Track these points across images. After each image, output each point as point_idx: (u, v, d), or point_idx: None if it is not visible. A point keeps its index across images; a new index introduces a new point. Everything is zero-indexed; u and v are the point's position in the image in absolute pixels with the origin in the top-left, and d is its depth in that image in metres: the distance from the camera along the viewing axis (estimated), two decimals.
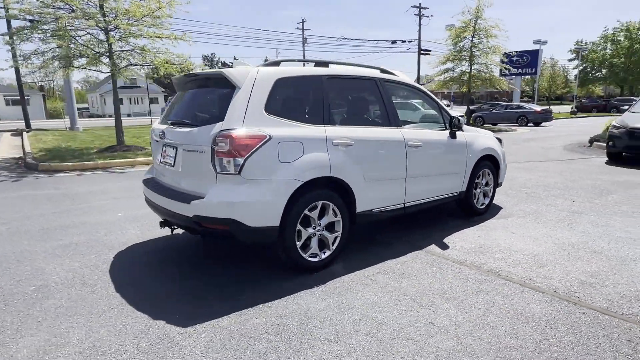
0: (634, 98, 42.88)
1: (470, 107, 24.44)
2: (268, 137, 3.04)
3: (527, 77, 44.49)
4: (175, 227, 3.70)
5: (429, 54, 41.15)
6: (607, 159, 9.80)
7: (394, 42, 41.50)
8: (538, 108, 25.68)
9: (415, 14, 40.92)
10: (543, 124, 24.87)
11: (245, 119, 3.03)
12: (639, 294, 3.01)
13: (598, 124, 18.27)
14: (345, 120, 3.74)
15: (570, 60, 59.09)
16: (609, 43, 51.61)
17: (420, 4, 40.17)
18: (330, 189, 3.42)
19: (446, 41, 21.50)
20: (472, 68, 21.03)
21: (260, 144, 3.00)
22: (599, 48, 52.19)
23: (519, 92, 36.68)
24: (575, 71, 52.94)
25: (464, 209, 5.09)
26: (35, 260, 3.78)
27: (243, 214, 2.99)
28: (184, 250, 4.04)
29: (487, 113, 26.62)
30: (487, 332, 2.53)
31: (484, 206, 5.21)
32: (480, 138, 5.04)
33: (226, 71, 3.20)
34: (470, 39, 20.62)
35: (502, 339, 2.46)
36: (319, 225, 3.41)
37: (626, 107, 19.19)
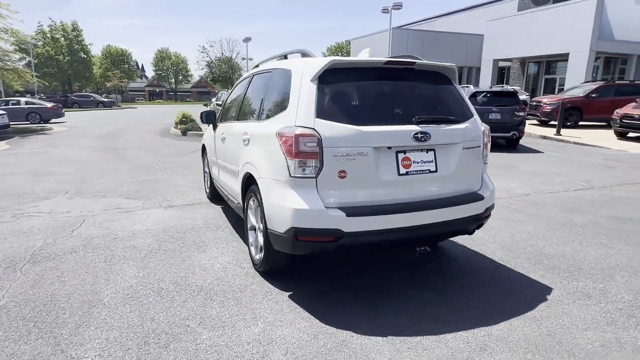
0: (92, 94, 47.29)
1: None
2: None
3: None
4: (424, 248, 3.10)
5: None
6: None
7: None
8: (49, 104, 23.50)
9: None
10: (55, 120, 23.23)
11: None
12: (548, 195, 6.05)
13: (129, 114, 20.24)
14: None
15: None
16: (50, 40, 52.16)
17: None
18: None
19: None
20: None
21: None
22: (39, 43, 51.27)
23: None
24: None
25: None
26: None
27: None
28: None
29: None
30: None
31: None
32: None
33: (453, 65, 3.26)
34: None
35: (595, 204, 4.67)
36: None
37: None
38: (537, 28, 22.12)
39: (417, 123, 2.87)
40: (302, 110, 2.70)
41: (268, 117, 3.24)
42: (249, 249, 3.55)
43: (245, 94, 4.11)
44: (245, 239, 3.82)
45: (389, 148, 2.77)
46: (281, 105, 3.05)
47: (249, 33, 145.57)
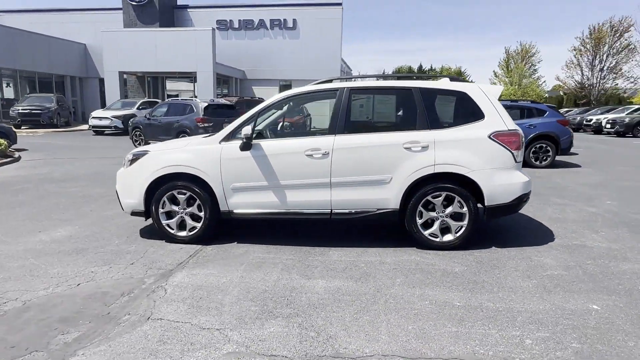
0: None
1: None
2: None
3: None
4: None
5: None
6: None
7: None
8: None
9: None
10: None
11: None
12: None
13: None
14: None
15: None
16: None
17: None
18: None
19: None
20: None
21: None
22: None
23: None
24: None
25: None
26: None
27: None
28: None
29: None
30: None
31: None
32: None
33: None
34: None
35: None
36: None
37: None
38: (163, 46, 23.95)
39: None
40: (507, 120, 4.07)
41: (450, 125, 4.15)
42: (427, 241, 4.18)
43: (348, 107, 4.18)
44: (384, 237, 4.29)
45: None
46: (469, 116, 4.11)
47: None
